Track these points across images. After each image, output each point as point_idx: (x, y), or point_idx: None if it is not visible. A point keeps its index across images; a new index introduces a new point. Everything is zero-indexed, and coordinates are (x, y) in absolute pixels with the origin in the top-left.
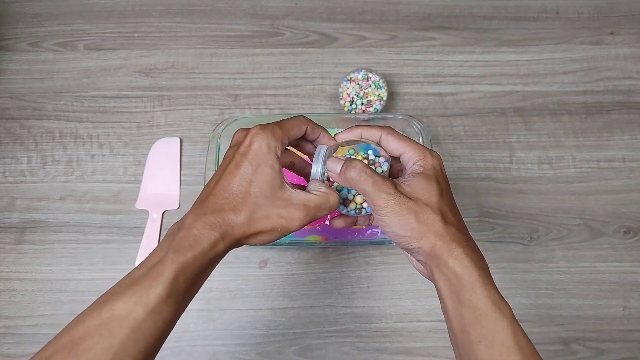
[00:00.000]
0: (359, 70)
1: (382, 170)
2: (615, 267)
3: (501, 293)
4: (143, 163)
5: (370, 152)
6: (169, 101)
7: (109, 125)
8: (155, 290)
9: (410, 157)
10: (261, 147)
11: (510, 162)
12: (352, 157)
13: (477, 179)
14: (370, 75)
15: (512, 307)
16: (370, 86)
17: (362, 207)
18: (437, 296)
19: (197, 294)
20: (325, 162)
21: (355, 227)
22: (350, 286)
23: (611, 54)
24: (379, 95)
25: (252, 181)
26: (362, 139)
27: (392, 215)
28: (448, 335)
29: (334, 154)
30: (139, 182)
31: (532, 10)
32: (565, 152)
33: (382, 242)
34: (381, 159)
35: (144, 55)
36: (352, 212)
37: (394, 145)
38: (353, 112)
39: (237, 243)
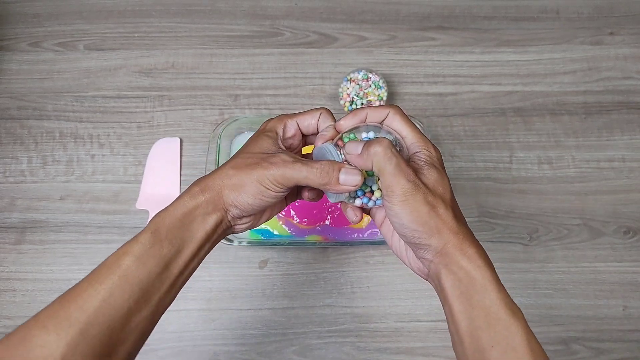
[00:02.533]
0: (359, 70)
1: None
2: (615, 267)
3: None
4: (143, 163)
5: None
6: (169, 101)
7: (109, 125)
8: (139, 239)
9: (412, 145)
10: (265, 126)
11: (510, 162)
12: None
13: (477, 179)
14: (370, 75)
15: None
16: (370, 86)
17: (372, 191)
18: (437, 296)
19: (197, 294)
20: (341, 151)
21: (355, 226)
22: (350, 286)
23: (611, 54)
24: (379, 95)
25: (247, 145)
26: (366, 123)
27: (404, 206)
28: (449, 336)
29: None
30: (139, 182)
31: (532, 10)
32: (565, 152)
33: (382, 242)
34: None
35: (144, 55)
36: (364, 200)
37: (397, 126)
38: None
39: (220, 200)
